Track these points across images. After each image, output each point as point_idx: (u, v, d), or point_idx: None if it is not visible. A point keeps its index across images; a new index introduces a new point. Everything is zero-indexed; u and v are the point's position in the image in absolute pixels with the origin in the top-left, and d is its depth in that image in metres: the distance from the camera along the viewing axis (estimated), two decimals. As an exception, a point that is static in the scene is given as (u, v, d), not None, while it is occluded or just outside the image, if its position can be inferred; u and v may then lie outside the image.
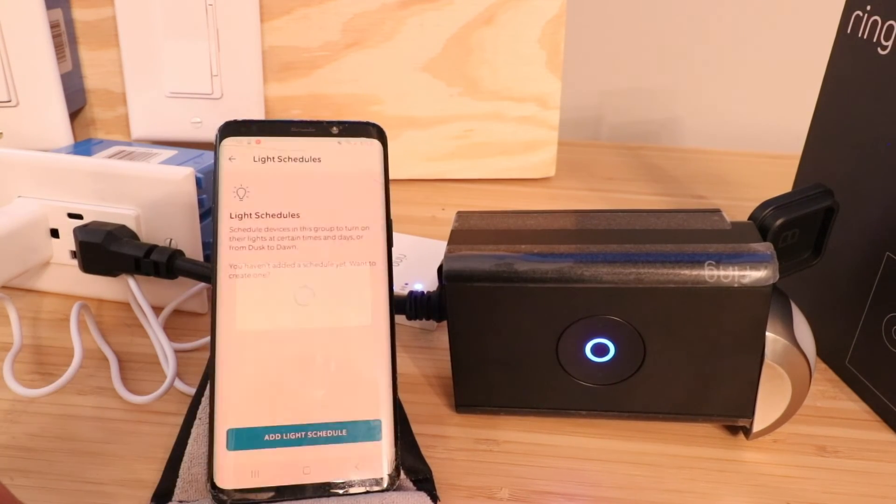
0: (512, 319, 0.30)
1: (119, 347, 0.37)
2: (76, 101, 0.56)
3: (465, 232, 0.32)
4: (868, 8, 0.34)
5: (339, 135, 0.29)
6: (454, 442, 0.32)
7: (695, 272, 0.28)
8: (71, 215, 0.38)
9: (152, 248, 0.36)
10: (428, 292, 0.33)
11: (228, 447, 0.26)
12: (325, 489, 0.26)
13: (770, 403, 0.31)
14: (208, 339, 0.37)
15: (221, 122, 0.29)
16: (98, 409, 0.33)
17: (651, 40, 0.72)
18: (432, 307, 0.33)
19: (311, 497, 0.26)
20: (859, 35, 0.35)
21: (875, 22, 0.34)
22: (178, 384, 0.34)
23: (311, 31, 0.55)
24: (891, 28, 0.33)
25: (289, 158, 0.29)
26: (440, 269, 0.30)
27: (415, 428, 0.32)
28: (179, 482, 0.28)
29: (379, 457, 0.27)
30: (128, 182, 0.37)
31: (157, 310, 0.39)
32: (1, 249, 0.36)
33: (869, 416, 0.34)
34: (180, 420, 0.31)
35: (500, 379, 0.32)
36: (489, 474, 0.30)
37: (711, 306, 0.28)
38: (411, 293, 0.33)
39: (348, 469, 0.27)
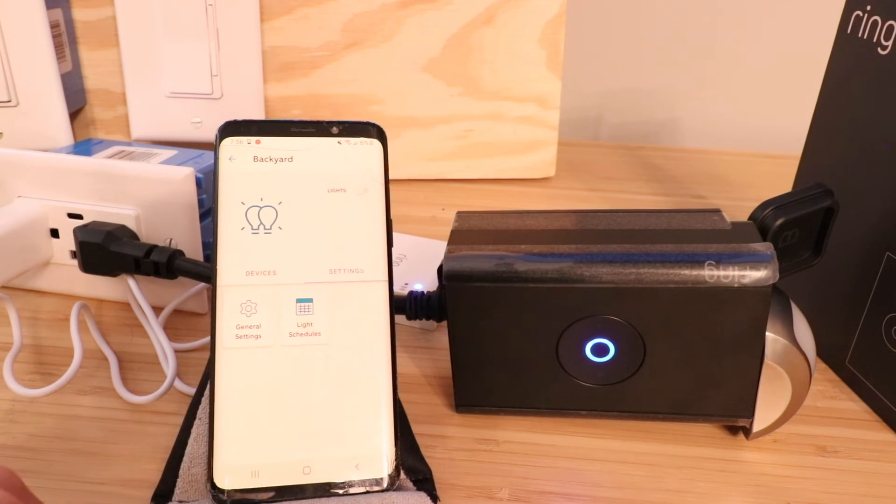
0: (512, 319, 0.30)
1: (119, 347, 0.37)
2: (76, 101, 0.56)
3: (465, 232, 0.32)
4: (868, 8, 0.34)
5: (340, 135, 0.29)
6: (454, 442, 0.32)
7: (695, 272, 0.28)
8: (71, 215, 0.38)
9: (152, 248, 0.36)
10: (428, 292, 0.33)
11: (228, 447, 0.26)
12: (325, 489, 0.26)
13: (770, 403, 0.31)
14: (208, 339, 0.37)
15: (221, 122, 0.29)
16: (98, 409, 0.33)
17: (651, 40, 0.72)
18: (432, 307, 0.33)
19: (311, 497, 0.26)
20: (859, 35, 0.35)
21: (875, 22, 0.34)
22: (178, 384, 0.34)
23: (311, 31, 0.55)
24: (891, 28, 0.32)
25: (289, 158, 0.29)
26: (440, 269, 0.30)
27: (415, 428, 0.32)
28: (179, 482, 0.28)
29: (379, 457, 0.27)
30: (128, 182, 0.37)
31: (157, 310, 0.39)
32: (1, 249, 0.36)
33: (869, 416, 0.34)
34: (180, 420, 0.31)
35: (500, 379, 0.32)
36: (489, 474, 0.30)
37: (711, 306, 0.28)
38: (411, 293, 0.33)
39: (348, 469, 0.27)
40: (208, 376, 0.31)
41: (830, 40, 0.37)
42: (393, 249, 0.29)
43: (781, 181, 0.62)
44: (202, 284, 0.39)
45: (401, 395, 0.33)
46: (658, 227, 0.31)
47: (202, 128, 0.56)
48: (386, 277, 0.29)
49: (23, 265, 0.38)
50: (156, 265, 0.36)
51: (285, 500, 0.26)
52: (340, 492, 0.26)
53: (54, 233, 0.39)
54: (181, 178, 0.37)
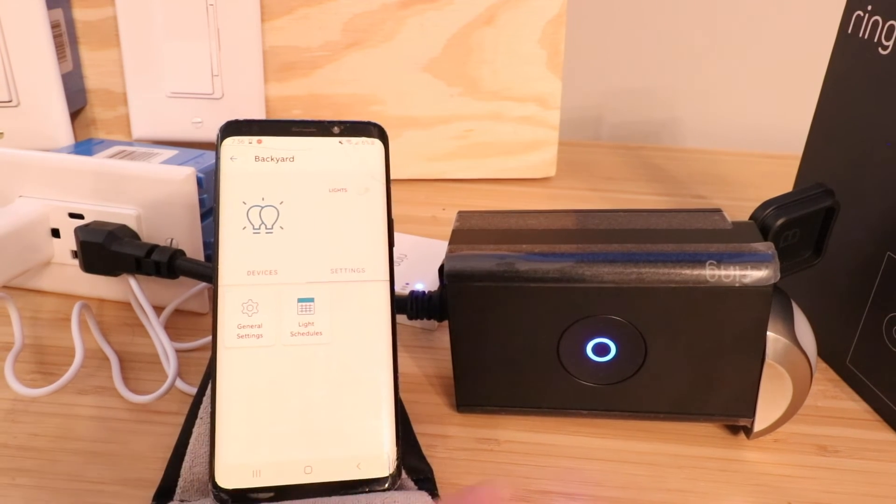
0: (513, 319, 0.30)
1: (120, 347, 0.37)
2: (77, 101, 0.56)
3: (467, 232, 0.32)
4: (869, 8, 0.34)
5: (341, 134, 0.29)
6: (455, 441, 0.32)
7: (696, 272, 0.28)
8: (72, 215, 0.38)
9: (153, 248, 0.36)
10: (429, 292, 0.33)
11: (230, 446, 0.26)
12: (326, 489, 0.26)
13: (771, 403, 0.31)
14: (209, 338, 0.37)
15: (222, 122, 0.29)
16: (99, 409, 0.33)
17: (652, 40, 0.72)
18: (433, 307, 0.33)
19: (312, 497, 0.26)
20: (860, 35, 0.35)
21: (876, 22, 0.34)
22: (180, 384, 0.34)
23: (311, 31, 0.55)
24: (892, 28, 0.33)
25: (290, 158, 0.29)
26: (441, 269, 0.30)
27: (416, 427, 0.32)
28: (181, 482, 0.28)
29: (380, 456, 0.27)
30: (129, 182, 0.37)
31: (158, 309, 0.39)
32: (2, 249, 0.36)
33: (870, 416, 0.35)
34: (181, 419, 0.31)
35: (502, 378, 0.32)
36: (490, 474, 0.30)
37: (712, 306, 0.28)
38: (412, 293, 0.33)
39: (350, 468, 0.27)
40: (209, 376, 0.31)
41: (830, 40, 0.37)
42: (394, 249, 0.29)
43: (782, 181, 0.62)
44: (203, 284, 0.39)
45: (402, 395, 0.33)
46: (659, 226, 0.31)
47: (203, 128, 0.57)
48: (387, 277, 0.29)
49: (24, 265, 0.38)
50: (157, 265, 0.36)
51: (287, 500, 0.26)
52: (342, 491, 0.26)
53: (55, 232, 0.39)
54: (182, 177, 0.37)
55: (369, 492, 0.26)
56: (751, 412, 0.31)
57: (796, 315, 0.30)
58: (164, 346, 0.35)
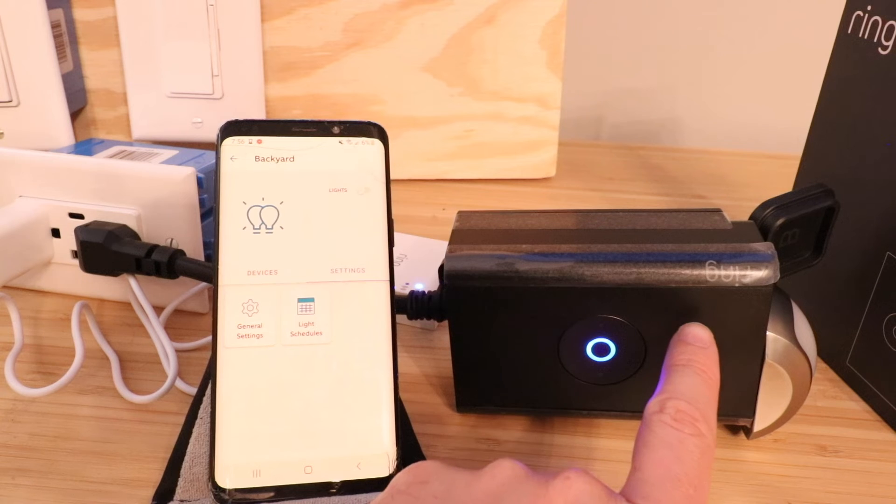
0: (513, 319, 0.30)
1: (120, 347, 0.37)
2: (77, 101, 0.56)
3: (467, 232, 0.32)
4: (869, 8, 0.34)
5: (341, 134, 0.29)
6: (455, 441, 0.32)
7: (696, 272, 0.28)
8: (72, 215, 0.38)
9: (153, 248, 0.36)
10: (429, 292, 0.33)
11: (230, 446, 0.26)
12: (326, 489, 0.26)
13: (771, 403, 0.31)
14: (209, 338, 0.37)
15: (222, 122, 0.29)
16: (99, 409, 0.33)
17: (651, 40, 0.72)
18: (433, 307, 0.33)
19: (312, 497, 0.26)
20: (860, 35, 0.35)
21: (876, 22, 0.34)
22: (180, 384, 0.34)
23: (311, 32, 0.55)
24: (891, 28, 0.33)
25: (290, 158, 0.29)
26: (441, 269, 0.30)
27: (416, 427, 0.32)
28: (181, 482, 0.28)
29: (381, 456, 0.27)
30: (129, 182, 0.37)
31: (158, 309, 0.39)
32: (2, 249, 0.36)
33: (869, 416, 0.35)
34: (181, 419, 0.31)
35: (502, 379, 0.32)
36: (490, 474, 0.30)
37: (712, 306, 0.28)
38: (412, 293, 0.33)
39: (350, 468, 0.27)
40: (209, 376, 0.31)
41: (830, 40, 0.37)
42: (394, 249, 0.29)
43: (781, 181, 0.62)
44: (203, 284, 0.39)
45: (402, 395, 0.33)
46: (659, 226, 0.31)
47: (203, 128, 0.57)
48: (387, 277, 0.29)
49: (24, 265, 0.38)
50: (157, 265, 0.36)
51: (287, 500, 0.26)
52: (342, 491, 0.26)
53: (55, 232, 0.39)
54: (182, 177, 0.37)
55: (370, 492, 0.26)
56: (751, 412, 0.31)
57: (796, 315, 0.30)
58: (164, 346, 0.35)
